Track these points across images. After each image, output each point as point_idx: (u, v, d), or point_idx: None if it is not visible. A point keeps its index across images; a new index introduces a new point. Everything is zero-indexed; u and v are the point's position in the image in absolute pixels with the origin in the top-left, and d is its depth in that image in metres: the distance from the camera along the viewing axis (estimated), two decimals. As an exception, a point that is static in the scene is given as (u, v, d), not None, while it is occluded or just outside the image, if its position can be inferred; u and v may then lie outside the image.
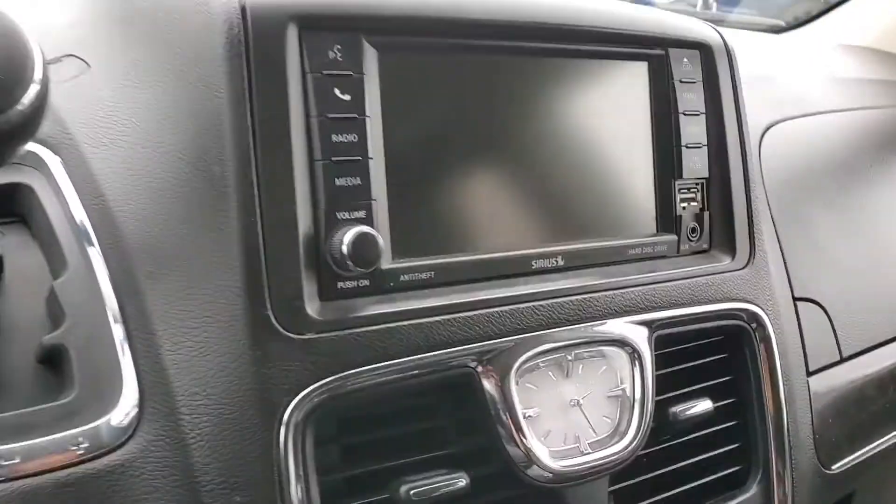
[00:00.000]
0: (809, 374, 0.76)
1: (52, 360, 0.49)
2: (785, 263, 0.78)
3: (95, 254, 0.49)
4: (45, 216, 0.52)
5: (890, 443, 0.83)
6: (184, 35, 0.50)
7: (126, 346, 0.48)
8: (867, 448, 0.81)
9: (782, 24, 1.64)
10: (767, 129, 0.89)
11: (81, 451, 0.46)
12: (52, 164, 0.52)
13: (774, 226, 0.80)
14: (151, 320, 0.48)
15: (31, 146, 0.53)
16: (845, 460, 0.79)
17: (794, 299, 0.77)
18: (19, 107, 0.39)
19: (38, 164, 0.53)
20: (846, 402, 0.79)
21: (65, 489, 0.45)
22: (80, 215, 0.51)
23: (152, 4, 0.54)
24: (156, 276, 0.48)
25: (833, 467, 0.78)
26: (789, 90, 0.99)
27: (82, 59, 0.57)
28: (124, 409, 0.47)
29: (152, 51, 0.53)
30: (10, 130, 0.40)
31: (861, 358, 0.81)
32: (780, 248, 0.79)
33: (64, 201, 0.52)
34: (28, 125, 0.40)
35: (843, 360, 0.80)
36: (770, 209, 0.80)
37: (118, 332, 0.48)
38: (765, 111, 0.91)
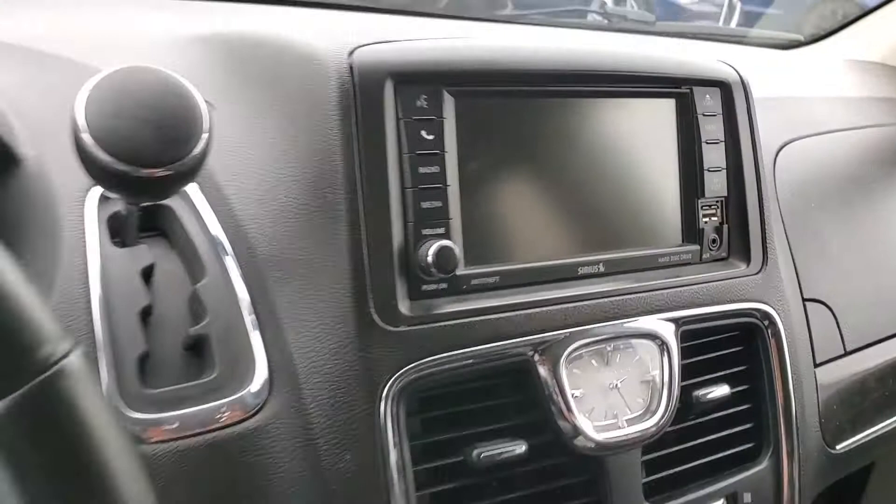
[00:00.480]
0: (816, 365, 0.87)
1: (197, 348, 0.62)
2: (795, 268, 0.89)
3: (231, 262, 0.61)
4: (184, 231, 0.64)
5: (889, 427, 0.93)
6: (301, 85, 0.62)
7: (257, 335, 0.60)
8: (868, 431, 0.91)
9: (801, 38, 1.73)
10: (782, 147, 0.99)
11: (224, 419, 0.58)
12: (190, 190, 0.65)
13: (786, 235, 0.90)
14: (278, 315, 0.60)
15: (172, 174, 0.66)
16: (848, 441, 0.89)
17: (804, 300, 0.88)
18: (194, 153, 0.51)
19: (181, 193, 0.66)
20: (849, 391, 0.90)
21: (212, 448, 0.57)
22: (217, 231, 0.63)
23: (269, 55, 0.66)
24: (281, 281, 0.60)
25: (837, 447, 0.88)
26: (802, 110, 1.09)
27: (209, 102, 0.69)
28: (257, 384, 0.59)
29: (270, 95, 0.65)
30: (185, 173, 0.52)
31: (863, 352, 0.91)
32: (791, 254, 0.89)
33: (201, 220, 0.64)
34: (198, 167, 0.52)
35: (846, 354, 0.90)
36: (783, 220, 0.91)
37: (251, 324, 0.60)
38: (779, 131, 1.01)
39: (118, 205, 0.63)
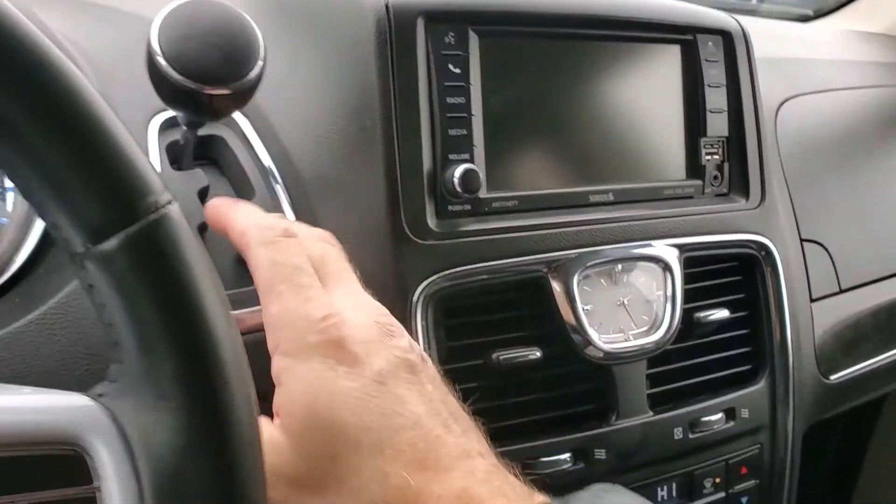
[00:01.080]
0: (812, 300, 0.93)
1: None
2: (794, 212, 0.95)
3: (278, 184, 0.69)
4: (235, 158, 0.71)
5: (881, 363, 1.00)
6: (342, 25, 0.69)
7: (303, 247, 0.67)
8: (861, 365, 0.98)
9: (810, 13, 1.78)
10: (783, 102, 1.05)
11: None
12: (242, 124, 0.72)
13: (786, 180, 0.97)
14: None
15: (224, 109, 0.73)
16: (842, 373, 0.96)
17: (801, 239, 0.94)
18: (251, 75, 0.59)
19: (230, 122, 0.73)
20: (843, 327, 0.96)
21: (258, 346, 0.65)
22: (265, 157, 0.70)
23: (311, 1, 0.73)
24: (324, 198, 0.67)
25: (831, 378, 0.95)
26: (805, 70, 1.15)
27: (256, 43, 0.76)
28: (302, 291, 0.66)
29: (312, 36, 0.72)
30: (244, 92, 0.59)
31: (857, 291, 0.98)
32: (790, 198, 0.96)
33: (251, 148, 0.71)
34: (254, 89, 0.60)
35: (841, 292, 0.96)
36: (783, 167, 0.97)
37: (296, 237, 0.68)
38: (782, 88, 1.07)
39: (176, 134, 0.71)
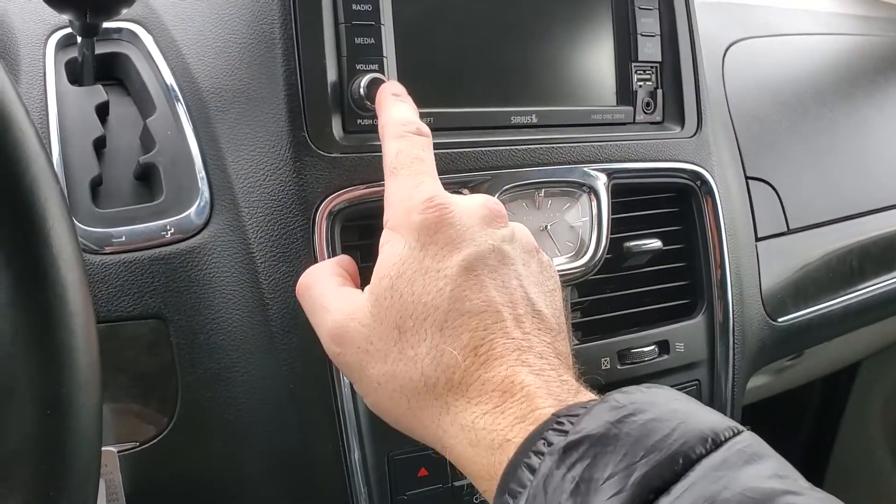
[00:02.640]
0: (758, 239, 0.90)
1: (146, 177, 0.66)
2: (739, 148, 0.92)
3: (178, 98, 0.66)
4: (139, 76, 0.69)
5: (831, 308, 0.97)
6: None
7: (200, 161, 0.64)
8: (811, 309, 0.95)
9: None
10: (732, 44, 1.02)
11: (169, 236, 0.63)
12: (145, 40, 0.69)
13: (732, 120, 0.94)
14: (219, 142, 0.64)
15: (127, 24, 0.70)
16: (790, 316, 0.93)
17: (747, 177, 0.91)
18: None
19: (133, 39, 0.70)
20: (792, 268, 0.93)
21: (156, 261, 0.62)
22: (167, 75, 0.67)
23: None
24: (223, 108, 0.64)
25: (779, 320, 0.92)
26: (757, 15, 1.12)
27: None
28: (200, 205, 0.63)
29: (217, -51, 0.69)
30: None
31: (805, 233, 0.95)
32: (736, 136, 0.93)
33: (154, 64, 0.68)
34: None
35: (789, 232, 0.93)
36: (728, 106, 0.94)
37: (195, 151, 0.64)
38: (731, 30, 1.05)
39: (75, 51, 0.68)
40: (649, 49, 0.79)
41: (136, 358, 0.61)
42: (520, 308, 0.52)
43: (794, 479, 0.39)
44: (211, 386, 0.62)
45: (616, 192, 0.76)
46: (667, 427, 0.41)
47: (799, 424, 1.66)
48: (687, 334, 0.79)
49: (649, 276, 0.79)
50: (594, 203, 0.74)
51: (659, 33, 0.80)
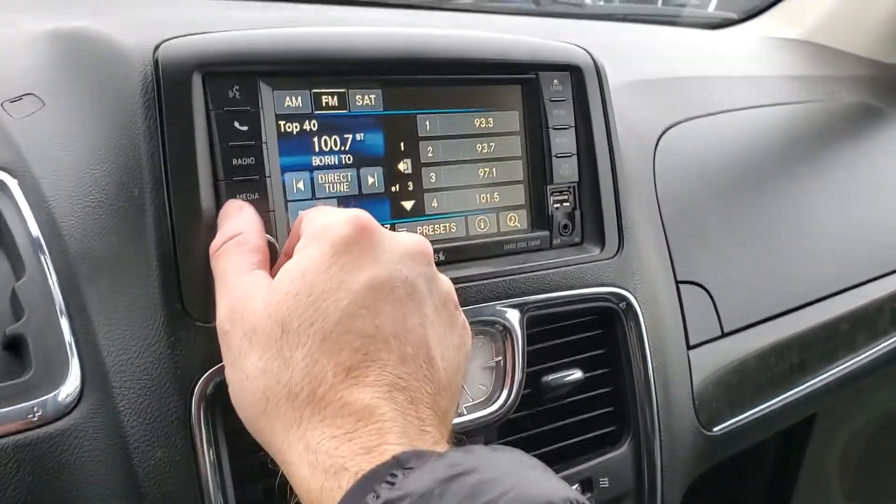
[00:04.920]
0: (690, 347, 0.87)
1: (14, 347, 0.61)
2: (670, 251, 0.89)
3: (47, 261, 0.61)
4: (9, 230, 0.64)
5: (770, 409, 0.93)
6: (110, 80, 0.61)
7: (70, 335, 0.59)
8: (747, 413, 0.91)
9: (734, 17, 1.73)
10: (666, 129, 0.98)
11: (36, 419, 0.57)
12: (13, 188, 0.64)
13: (662, 218, 0.90)
14: (90, 313, 0.59)
15: (-2, 174, 0.65)
16: (726, 423, 0.89)
17: (678, 282, 0.88)
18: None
19: (2, 188, 0.65)
20: (728, 373, 0.90)
21: (23, 447, 0.57)
22: (35, 230, 0.62)
23: (87, 51, 0.66)
24: (92, 278, 0.59)
25: (714, 430, 0.88)
26: (697, 90, 1.09)
27: (39, 98, 0.68)
28: (70, 384, 0.58)
29: (88, 92, 0.64)
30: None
31: (741, 334, 0.92)
32: (666, 238, 0.89)
33: (23, 218, 0.63)
34: None
35: (724, 336, 0.90)
36: (658, 203, 0.91)
37: (64, 323, 0.59)
38: (667, 112, 1.01)
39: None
40: (565, 170, 0.75)
41: (-1, 559, 0.56)
42: (410, 347, 0.50)
43: None
44: (87, 582, 0.58)
45: (533, 322, 0.72)
46: (497, 489, 0.39)
47: (757, 478, 1.63)
48: (612, 467, 0.76)
49: (571, 408, 0.76)
50: (508, 342, 0.70)
51: (576, 153, 0.76)
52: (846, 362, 1.02)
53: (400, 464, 0.42)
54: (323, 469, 0.45)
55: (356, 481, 0.43)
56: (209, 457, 0.58)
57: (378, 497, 0.40)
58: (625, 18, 1.62)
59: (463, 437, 0.67)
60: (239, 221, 0.57)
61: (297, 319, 0.49)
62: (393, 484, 0.41)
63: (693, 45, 1.36)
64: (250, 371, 0.50)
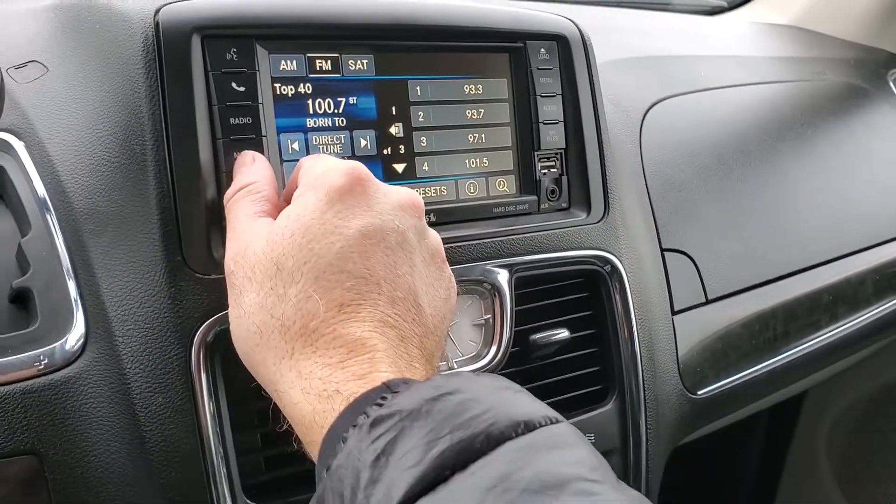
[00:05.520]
0: (675, 313, 0.89)
1: (20, 300, 0.64)
2: (655, 220, 0.91)
3: (52, 217, 0.63)
4: (14, 189, 0.66)
5: (754, 375, 0.96)
6: (112, 44, 0.64)
7: (75, 287, 0.62)
8: (731, 378, 0.94)
9: (724, 4, 1.75)
10: (653, 105, 1.01)
11: (42, 367, 0.60)
12: (18, 149, 0.66)
13: (648, 191, 0.92)
14: (93, 266, 0.62)
15: (3, 135, 0.68)
16: (711, 387, 0.92)
17: (662, 249, 0.90)
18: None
19: (7, 149, 0.67)
20: (712, 339, 0.93)
21: (30, 393, 0.59)
22: (41, 189, 0.64)
23: (90, 19, 0.68)
24: (96, 232, 0.62)
25: (699, 393, 0.91)
26: (684, 67, 1.11)
27: (43, 64, 0.71)
28: (75, 334, 0.61)
29: (91, 56, 0.66)
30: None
31: (725, 301, 0.94)
32: (652, 208, 0.91)
33: (28, 178, 0.66)
34: None
35: (708, 303, 0.93)
36: (645, 175, 0.93)
37: (69, 276, 0.62)
38: (653, 88, 1.03)
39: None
40: (552, 137, 0.77)
41: (8, 498, 0.59)
42: (399, 291, 0.53)
43: (603, 471, 0.39)
44: (91, 522, 0.60)
45: (521, 283, 0.75)
46: (480, 407, 0.41)
47: (747, 454, 1.66)
48: (598, 424, 0.78)
49: (559, 366, 0.78)
50: (497, 300, 0.72)
51: (563, 120, 0.78)
52: (830, 332, 1.05)
53: (389, 388, 0.45)
54: (315, 394, 0.47)
55: (348, 404, 0.45)
56: (209, 403, 0.60)
57: (368, 417, 0.43)
58: (618, 4, 1.65)
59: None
60: (251, 172, 0.60)
61: (291, 259, 0.51)
62: (381, 405, 0.43)
63: (681, 29, 1.38)
64: (247, 307, 0.52)
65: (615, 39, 1.10)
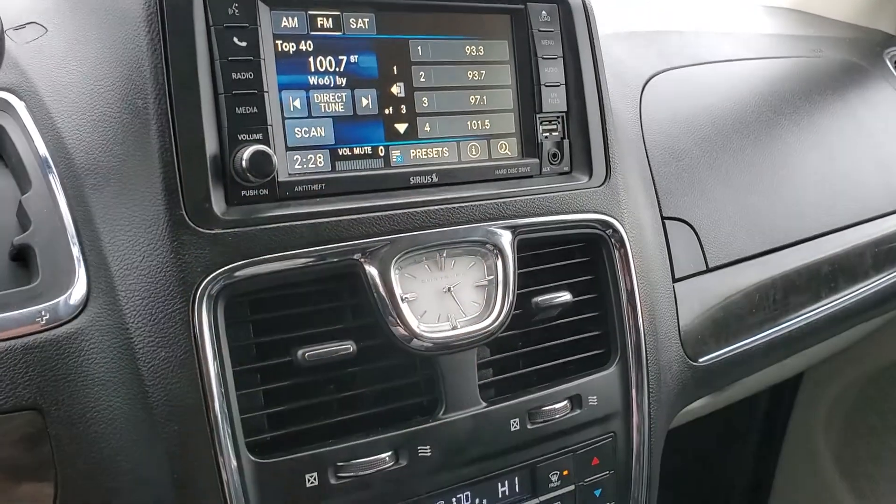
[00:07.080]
0: (676, 280, 0.89)
1: (22, 257, 0.63)
2: (656, 189, 0.91)
3: (53, 174, 0.63)
4: (14, 148, 0.66)
5: (755, 344, 0.96)
6: (114, 2, 0.63)
7: (76, 242, 0.61)
8: (732, 347, 0.94)
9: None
10: (653, 76, 1.01)
11: (43, 322, 0.60)
12: (18, 108, 0.66)
13: (648, 156, 0.92)
14: (95, 222, 0.62)
15: (3, 94, 0.67)
16: (712, 355, 0.92)
17: (663, 217, 0.90)
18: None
19: (7, 108, 0.67)
20: (713, 307, 0.92)
21: (32, 349, 0.59)
22: (41, 146, 0.64)
23: (93, -23, 0.68)
24: (97, 187, 0.62)
25: (700, 360, 0.91)
26: (684, 41, 1.11)
27: (42, 25, 0.71)
28: (77, 290, 0.60)
29: (91, 13, 0.66)
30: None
31: (726, 270, 0.94)
32: (653, 176, 0.91)
33: (28, 136, 0.65)
34: None
35: (709, 271, 0.92)
36: (645, 144, 0.93)
37: (71, 232, 0.62)
38: (653, 60, 1.04)
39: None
40: (554, 100, 0.77)
41: (10, 454, 0.58)
42: None
43: None
44: (94, 477, 0.60)
45: (524, 245, 0.75)
46: None
47: (746, 433, 1.66)
48: (600, 386, 0.78)
49: (561, 329, 0.78)
50: (499, 261, 0.72)
51: (564, 83, 0.78)
52: (830, 303, 1.05)
53: None
54: None
55: None
56: (212, 356, 0.60)
57: None
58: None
59: (455, 350, 0.70)
60: None
61: None
62: None
63: (682, 7, 1.38)
64: None
65: (615, 13, 1.10)
